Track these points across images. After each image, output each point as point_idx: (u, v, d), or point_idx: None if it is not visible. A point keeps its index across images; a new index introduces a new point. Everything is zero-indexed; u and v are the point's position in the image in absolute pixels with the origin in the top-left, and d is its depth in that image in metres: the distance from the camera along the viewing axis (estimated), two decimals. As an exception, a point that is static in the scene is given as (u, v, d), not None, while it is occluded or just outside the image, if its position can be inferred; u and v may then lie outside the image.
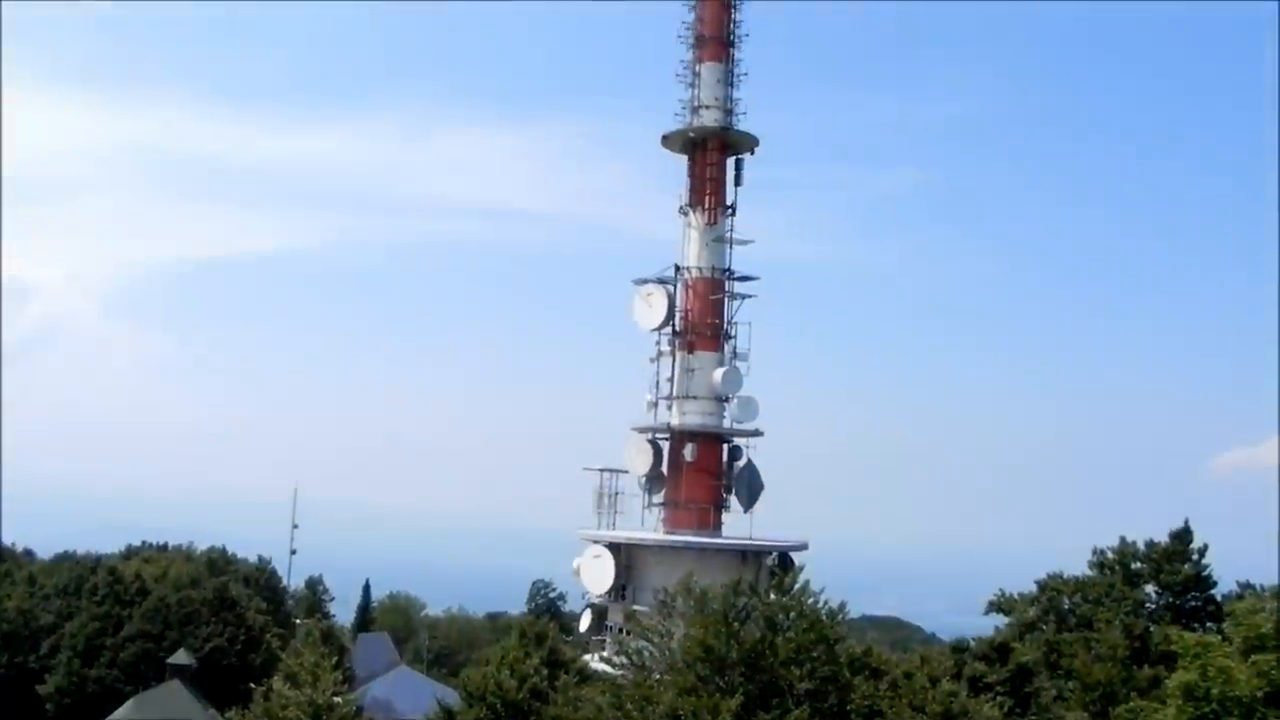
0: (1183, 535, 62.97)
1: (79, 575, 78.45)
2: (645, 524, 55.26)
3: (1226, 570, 63.00)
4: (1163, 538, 63.13)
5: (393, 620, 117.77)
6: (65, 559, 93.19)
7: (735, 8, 56.85)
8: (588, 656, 50.45)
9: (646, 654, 40.35)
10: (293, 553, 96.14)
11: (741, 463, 55.17)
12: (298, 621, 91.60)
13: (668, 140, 56.79)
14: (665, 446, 55.42)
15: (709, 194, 55.73)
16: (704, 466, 54.54)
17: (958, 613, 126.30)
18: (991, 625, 63.46)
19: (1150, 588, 62.90)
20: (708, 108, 55.89)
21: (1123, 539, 64.46)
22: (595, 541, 54.36)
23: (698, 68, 56.29)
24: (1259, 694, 32.43)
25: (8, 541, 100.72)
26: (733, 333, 55.50)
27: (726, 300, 55.50)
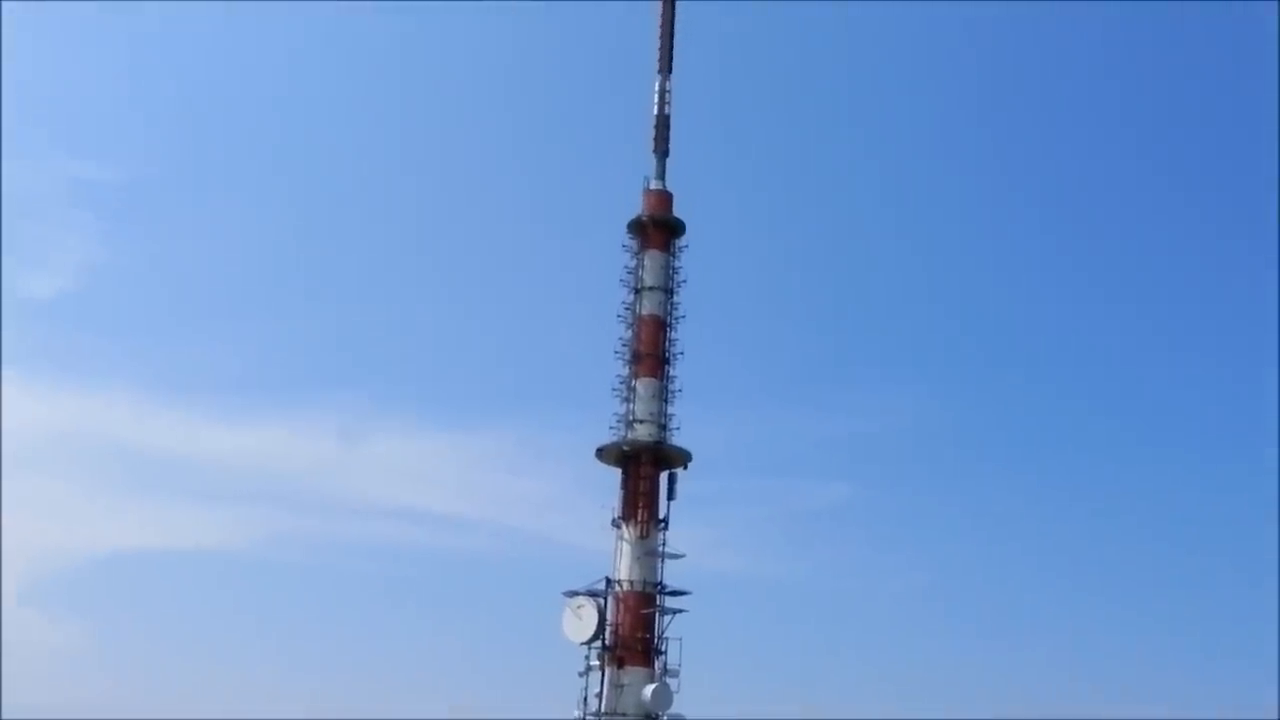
0: None
1: None
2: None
3: None
4: None
5: None
6: None
7: (670, 327, 58.92)
8: None
9: None
10: None
11: (672, 780, 53.38)
12: None
13: (602, 453, 57.50)
14: (594, 764, 53.58)
15: (641, 507, 56.08)
16: (633, 785, 52.63)
17: None
18: None
19: None
20: (642, 422, 56.99)
21: None
22: None
23: (633, 383, 57.76)
24: None
25: None
26: (663, 648, 54.79)
27: (658, 615, 55.01)
